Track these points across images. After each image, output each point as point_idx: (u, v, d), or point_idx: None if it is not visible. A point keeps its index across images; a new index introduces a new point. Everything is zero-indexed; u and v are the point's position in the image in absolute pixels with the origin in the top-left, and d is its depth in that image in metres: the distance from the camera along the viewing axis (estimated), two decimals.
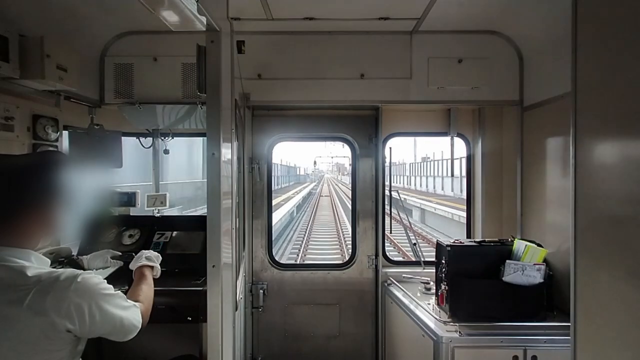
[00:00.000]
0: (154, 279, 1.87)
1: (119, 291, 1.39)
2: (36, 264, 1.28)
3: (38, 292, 1.16)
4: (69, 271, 1.25)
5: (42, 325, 1.16)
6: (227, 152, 1.85)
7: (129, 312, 1.40)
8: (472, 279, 2.49)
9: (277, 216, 14.64)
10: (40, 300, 1.16)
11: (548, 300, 2.48)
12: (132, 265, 1.91)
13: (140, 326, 1.44)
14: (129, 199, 3.04)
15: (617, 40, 1.31)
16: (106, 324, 1.30)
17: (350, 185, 3.75)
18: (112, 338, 1.38)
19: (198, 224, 2.85)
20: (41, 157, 1.38)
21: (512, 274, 2.45)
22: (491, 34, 3.12)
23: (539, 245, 2.56)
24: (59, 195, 1.33)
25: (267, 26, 2.99)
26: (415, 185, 35.81)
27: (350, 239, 3.79)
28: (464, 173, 3.73)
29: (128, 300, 1.43)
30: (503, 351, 2.32)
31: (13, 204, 1.25)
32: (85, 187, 3.21)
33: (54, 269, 1.26)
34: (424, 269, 3.28)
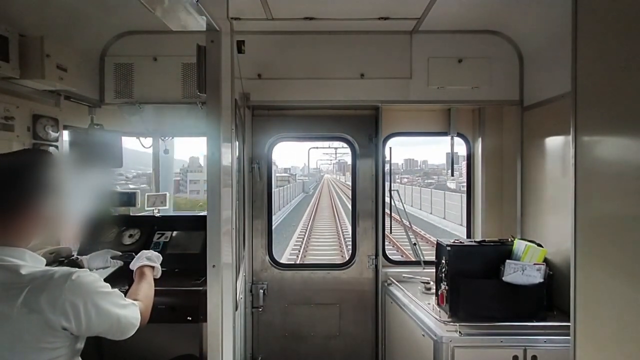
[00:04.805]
0: (154, 279, 1.87)
1: (117, 289, 1.38)
2: (31, 263, 1.27)
3: (32, 290, 1.17)
4: (64, 269, 1.25)
5: (37, 322, 1.16)
6: (227, 152, 1.85)
7: (127, 310, 1.39)
8: (472, 279, 2.49)
9: None
10: (34, 298, 1.16)
11: (548, 300, 2.48)
12: (133, 266, 1.92)
13: (138, 324, 1.43)
14: (129, 198, 3.04)
15: (617, 40, 1.31)
16: (103, 322, 1.30)
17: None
18: (109, 337, 1.37)
19: (198, 224, 2.84)
20: (31, 155, 1.37)
21: (512, 273, 2.45)
22: (491, 34, 3.12)
23: (539, 245, 2.56)
24: (50, 194, 1.33)
25: (267, 26, 2.99)
26: None
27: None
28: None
29: (126, 299, 1.43)
30: (503, 351, 2.32)
31: (4, 202, 1.24)
32: (86, 187, 3.21)
33: (49, 268, 1.26)
34: (424, 269, 3.28)
